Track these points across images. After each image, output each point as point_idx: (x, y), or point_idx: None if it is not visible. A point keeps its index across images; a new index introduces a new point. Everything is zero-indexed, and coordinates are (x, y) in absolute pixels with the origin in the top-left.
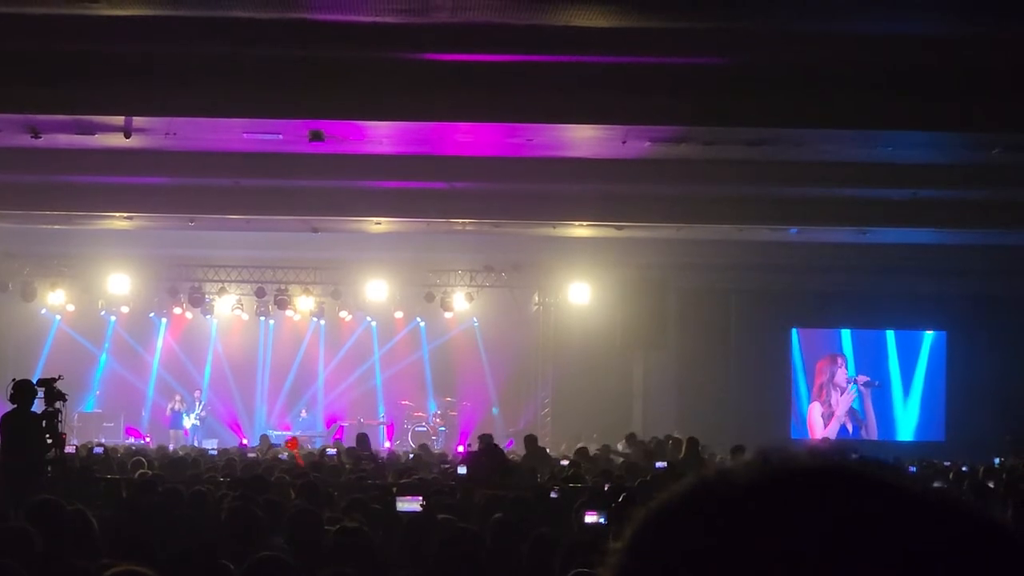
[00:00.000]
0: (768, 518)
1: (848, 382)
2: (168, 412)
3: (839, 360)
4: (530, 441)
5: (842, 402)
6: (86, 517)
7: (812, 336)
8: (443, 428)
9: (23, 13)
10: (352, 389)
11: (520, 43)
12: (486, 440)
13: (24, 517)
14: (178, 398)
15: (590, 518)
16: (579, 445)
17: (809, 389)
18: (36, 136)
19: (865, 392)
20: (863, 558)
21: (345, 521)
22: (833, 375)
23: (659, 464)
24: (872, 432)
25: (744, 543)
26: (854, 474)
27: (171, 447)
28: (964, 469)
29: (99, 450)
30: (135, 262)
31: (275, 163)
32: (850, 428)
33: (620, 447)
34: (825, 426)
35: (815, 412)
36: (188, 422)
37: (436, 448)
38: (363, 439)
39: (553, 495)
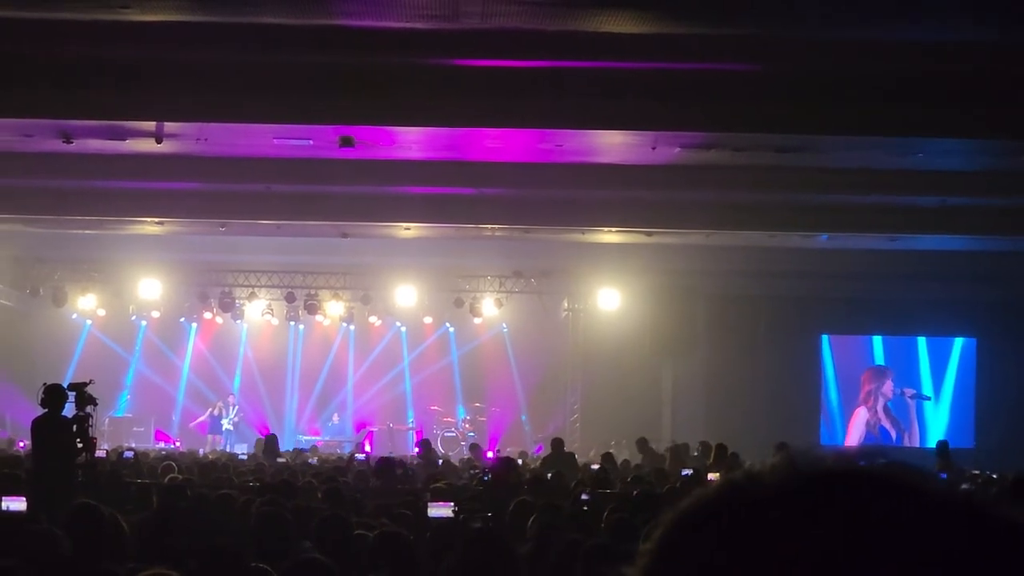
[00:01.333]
0: (796, 521)
1: (896, 393)
2: (207, 417)
3: (888, 372)
4: (556, 445)
5: (887, 411)
6: (118, 522)
7: (843, 343)
8: (472, 434)
9: (54, 19)
10: (381, 394)
11: (550, 49)
12: (505, 461)
13: (62, 521)
14: (219, 404)
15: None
16: (605, 450)
17: (840, 394)
18: (68, 141)
19: (911, 404)
20: (890, 562)
21: (380, 527)
22: (882, 384)
23: (684, 471)
24: (915, 439)
25: (772, 546)
26: (881, 477)
27: (202, 452)
28: (993, 476)
29: (129, 454)
30: (166, 267)
31: (305, 169)
32: (893, 435)
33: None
34: (868, 431)
35: (860, 416)
36: (226, 427)
37: (464, 454)
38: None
39: (584, 496)
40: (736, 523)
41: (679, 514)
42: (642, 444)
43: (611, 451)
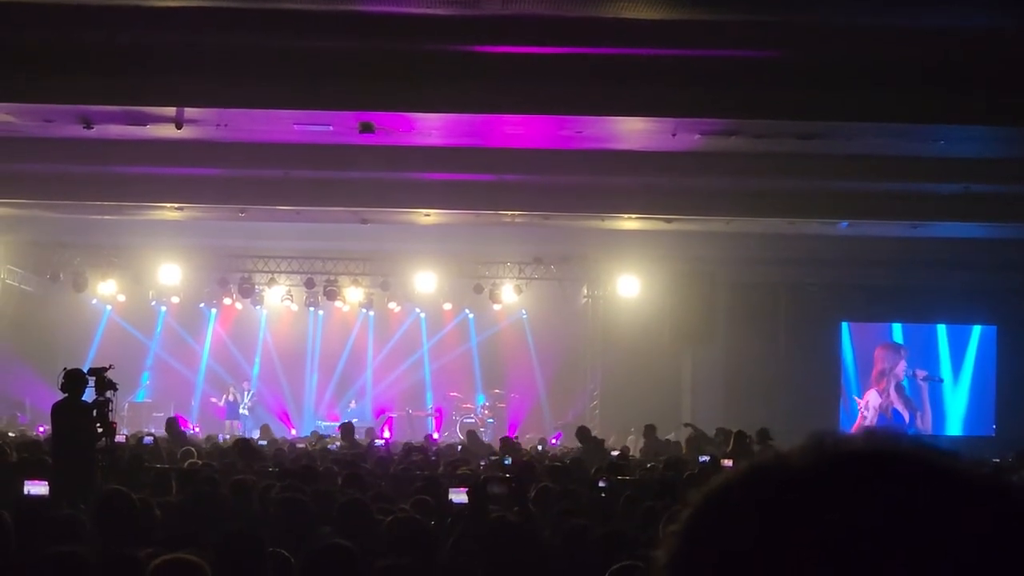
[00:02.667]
0: (824, 501)
1: (908, 375)
2: (223, 403)
3: (902, 351)
4: (582, 433)
5: (899, 392)
6: (149, 508)
7: (863, 330)
8: (491, 420)
9: (74, 4)
10: (401, 380)
11: (570, 36)
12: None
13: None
14: (232, 389)
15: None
16: (624, 438)
17: (859, 382)
18: (88, 127)
19: (923, 386)
20: (920, 542)
21: (398, 512)
22: (895, 365)
23: (702, 458)
24: (927, 423)
25: (800, 527)
26: (909, 457)
27: (223, 438)
28: (1012, 462)
29: (149, 440)
30: (185, 253)
31: (325, 154)
32: (906, 417)
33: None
34: (880, 413)
35: (871, 398)
36: (243, 412)
37: (485, 440)
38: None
39: (602, 484)
40: (763, 505)
41: (706, 496)
42: (649, 431)
43: (631, 437)
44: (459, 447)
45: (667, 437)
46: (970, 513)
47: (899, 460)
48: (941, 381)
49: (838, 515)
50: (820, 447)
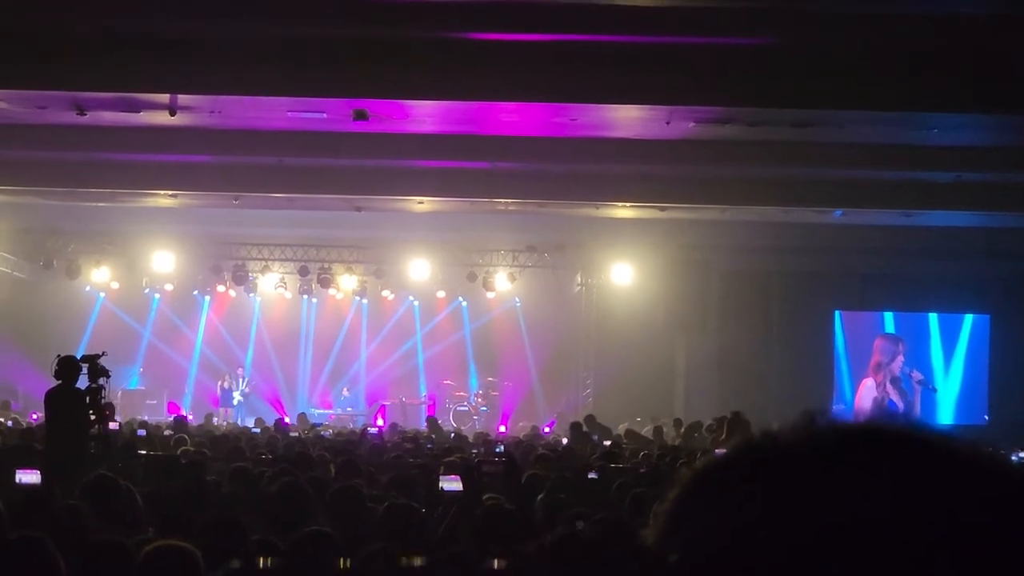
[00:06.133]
0: (817, 478)
1: (904, 373)
2: (218, 391)
3: (900, 345)
4: (575, 429)
5: (895, 385)
6: (132, 494)
7: (855, 319)
8: (485, 408)
9: None
10: (394, 368)
11: (564, 22)
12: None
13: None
14: (227, 376)
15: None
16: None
17: (851, 370)
18: (81, 113)
19: (916, 388)
20: (914, 520)
21: (392, 498)
22: (892, 359)
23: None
24: (917, 412)
25: (791, 504)
26: (901, 434)
27: (216, 422)
28: (1005, 452)
29: (142, 432)
30: (179, 240)
31: (319, 142)
32: (901, 406)
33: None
34: (874, 401)
35: (867, 386)
36: (236, 399)
37: (477, 427)
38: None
39: (592, 476)
40: (757, 480)
41: (694, 474)
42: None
43: (624, 427)
44: (451, 435)
45: (658, 425)
46: (967, 491)
47: (891, 438)
48: (935, 391)
49: (828, 492)
50: (811, 425)
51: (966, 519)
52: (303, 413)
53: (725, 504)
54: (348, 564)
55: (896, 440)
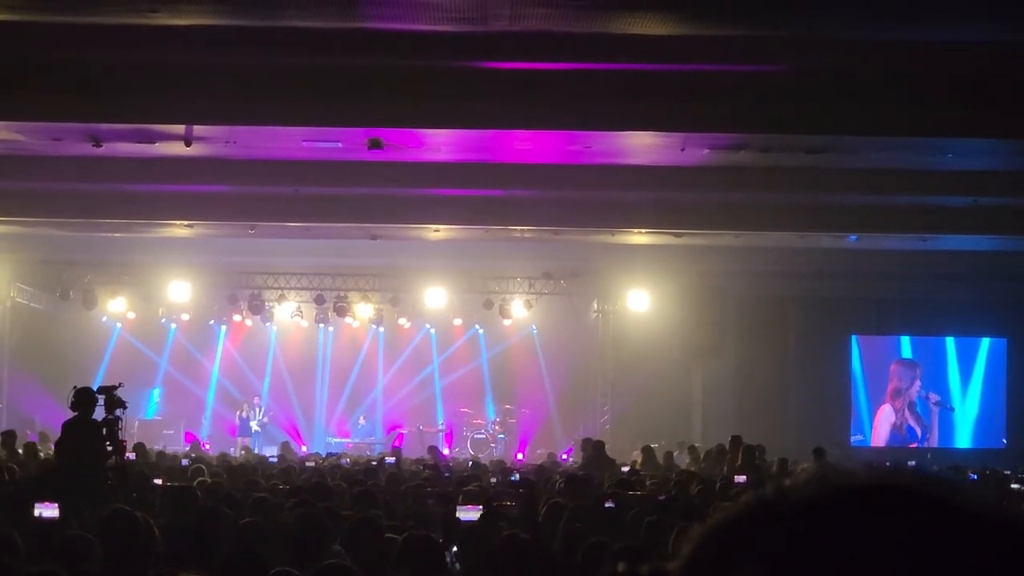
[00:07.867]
0: (827, 539)
1: (921, 396)
2: (236, 420)
3: (917, 370)
4: (597, 447)
5: (911, 410)
6: (150, 526)
7: (871, 343)
8: (502, 436)
9: (83, 23)
10: (411, 396)
11: (578, 51)
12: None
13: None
14: (245, 405)
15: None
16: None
17: (868, 395)
18: (97, 145)
19: (934, 410)
20: None
21: (410, 528)
22: (910, 385)
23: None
24: (934, 440)
25: (802, 564)
26: (913, 493)
27: (233, 452)
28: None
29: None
30: (195, 270)
31: (334, 171)
32: (919, 432)
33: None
34: (893, 431)
35: (885, 413)
36: (254, 429)
37: (495, 455)
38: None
39: (609, 505)
40: (769, 539)
41: (707, 531)
42: (646, 450)
43: (639, 453)
44: (469, 463)
45: (673, 451)
46: (975, 550)
47: (902, 495)
48: (952, 410)
49: (840, 551)
50: (824, 481)
51: None
52: (328, 453)
53: (735, 563)
54: None
55: (909, 500)
